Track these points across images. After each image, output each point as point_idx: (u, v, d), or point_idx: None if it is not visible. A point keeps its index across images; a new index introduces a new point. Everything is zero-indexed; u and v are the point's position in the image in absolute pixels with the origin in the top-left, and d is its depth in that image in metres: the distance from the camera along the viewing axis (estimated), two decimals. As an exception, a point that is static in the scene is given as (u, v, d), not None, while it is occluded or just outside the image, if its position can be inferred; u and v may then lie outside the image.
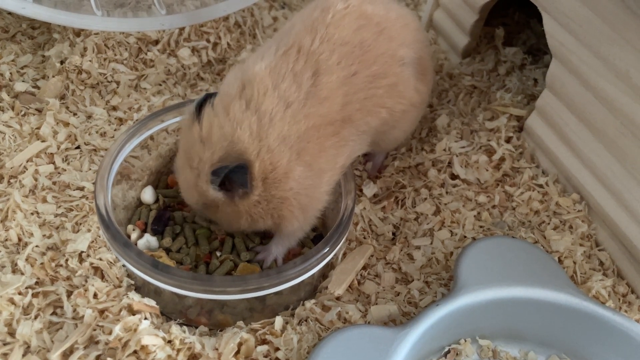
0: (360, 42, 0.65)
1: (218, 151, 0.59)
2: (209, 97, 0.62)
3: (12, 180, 0.72)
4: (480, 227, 0.74)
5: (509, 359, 0.64)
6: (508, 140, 0.81)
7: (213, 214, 0.64)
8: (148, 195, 0.73)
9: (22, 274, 0.63)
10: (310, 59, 0.62)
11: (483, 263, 0.64)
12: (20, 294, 0.62)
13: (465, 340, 0.64)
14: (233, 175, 0.58)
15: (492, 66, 0.93)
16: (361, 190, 0.79)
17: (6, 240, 0.67)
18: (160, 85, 0.90)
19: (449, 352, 0.64)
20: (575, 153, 0.74)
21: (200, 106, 0.62)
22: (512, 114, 0.84)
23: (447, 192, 0.78)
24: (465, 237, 0.73)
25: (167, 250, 0.68)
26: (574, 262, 0.70)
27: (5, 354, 0.58)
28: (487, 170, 0.78)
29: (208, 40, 0.95)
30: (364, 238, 0.73)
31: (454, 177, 0.79)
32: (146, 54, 0.91)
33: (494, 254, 0.65)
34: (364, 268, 0.71)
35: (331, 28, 0.64)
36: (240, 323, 0.63)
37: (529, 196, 0.76)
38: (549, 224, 0.73)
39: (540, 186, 0.77)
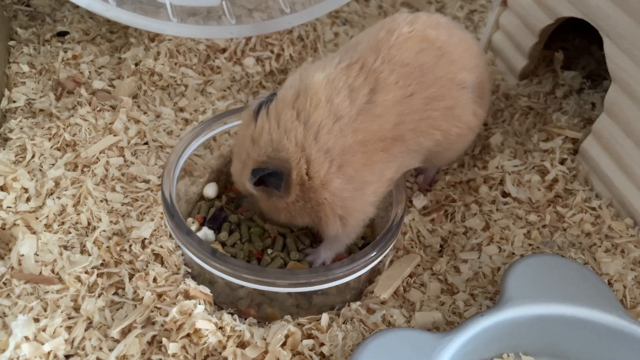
0: (421, 65, 0.66)
1: (263, 155, 0.63)
2: (270, 99, 0.66)
3: (85, 169, 0.78)
4: (530, 245, 0.74)
5: (551, 378, 0.64)
6: (562, 161, 0.81)
7: (256, 203, 0.69)
8: (211, 190, 0.77)
9: (90, 255, 0.68)
10: (370, 77, 0.64)
11: (531, 279, 0.64)
12: (86, 272, 0.66)
13: (508, 355, 0.64)
14: (269, 179, 0.63)
15: (550, 89, 0.93)
16: (411, 202, 0.80)
17: (77, 223, 0.72)
18: (225, 91, 0.94)
19: (490, 365, 0.64)
20: (631, 178, 0.74)
21: (261, 106, 0.65)
22: (568, 136, 0.83)
23: (497, 209, 0.78)
24: (513, 254, 0.73)
25: (223, 244, 0.71)
26: (624, 287, 0.69)
27: (69, 327, 0.63)
28: (539, 190, 0.78)
29: (272, 51, 1.00)
30: (412, 247, 0.75)
31: (505, 194, 0.80)
32: (214, 60, 0.97)
33: (543, 270, 0.65)
34: (410, 276, 0.72)
35: (394, 49, 0.66)
36: (288, 317, 0.65)
37: (580, 218, 0.75)
38: (600, 246, 0.72)
39: (593, 209, 0.76)
